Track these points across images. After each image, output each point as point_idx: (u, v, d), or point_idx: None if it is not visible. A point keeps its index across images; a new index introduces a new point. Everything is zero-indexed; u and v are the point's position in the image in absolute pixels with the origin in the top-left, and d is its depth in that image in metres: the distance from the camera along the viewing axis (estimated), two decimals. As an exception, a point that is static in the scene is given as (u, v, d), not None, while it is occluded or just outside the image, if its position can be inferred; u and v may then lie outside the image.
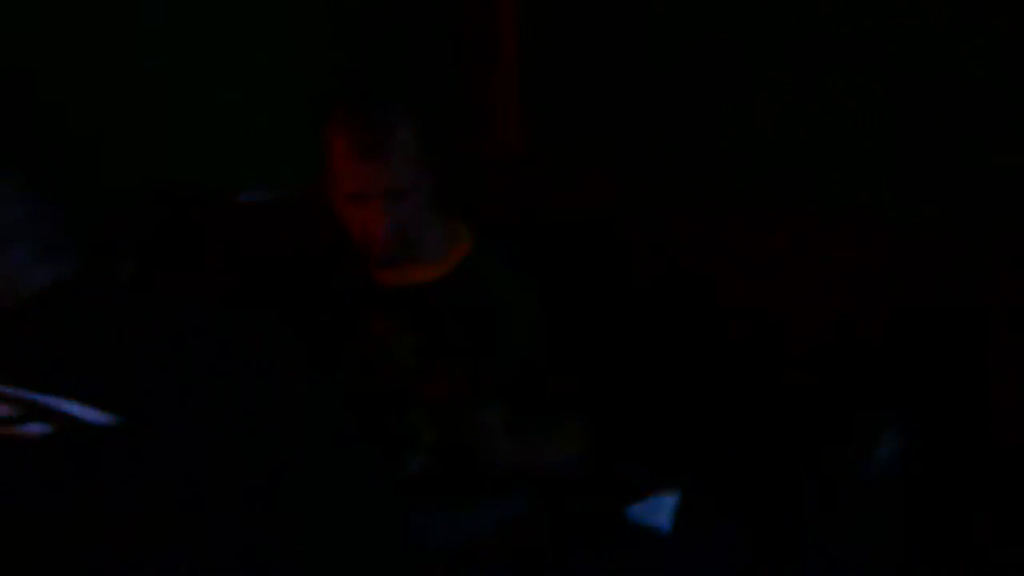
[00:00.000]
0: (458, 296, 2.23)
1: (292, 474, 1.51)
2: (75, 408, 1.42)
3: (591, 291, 2.57)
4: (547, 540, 2.11)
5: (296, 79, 2.88)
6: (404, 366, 2.23)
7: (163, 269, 2.59)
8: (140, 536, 1.43)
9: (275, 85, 2.87)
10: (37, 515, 1.42)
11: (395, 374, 2.23)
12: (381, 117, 2.15)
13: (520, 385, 2.19)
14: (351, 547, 1.54)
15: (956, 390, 2.12)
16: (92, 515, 1.42)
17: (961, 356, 2.12)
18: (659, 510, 2.14)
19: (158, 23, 2.73)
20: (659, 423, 2.34)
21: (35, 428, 1.42)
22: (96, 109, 2.65)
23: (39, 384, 1.43)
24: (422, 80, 2.98)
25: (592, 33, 2.82)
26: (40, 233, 1.53)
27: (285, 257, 2.42)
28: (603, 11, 2.79)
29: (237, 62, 2.82)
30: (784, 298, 2.38)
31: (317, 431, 1.56)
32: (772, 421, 2.25)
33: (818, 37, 2.40)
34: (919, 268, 2.18)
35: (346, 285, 2.30)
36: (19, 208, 1.52)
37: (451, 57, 3.01)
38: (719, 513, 2.18)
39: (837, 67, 2.37)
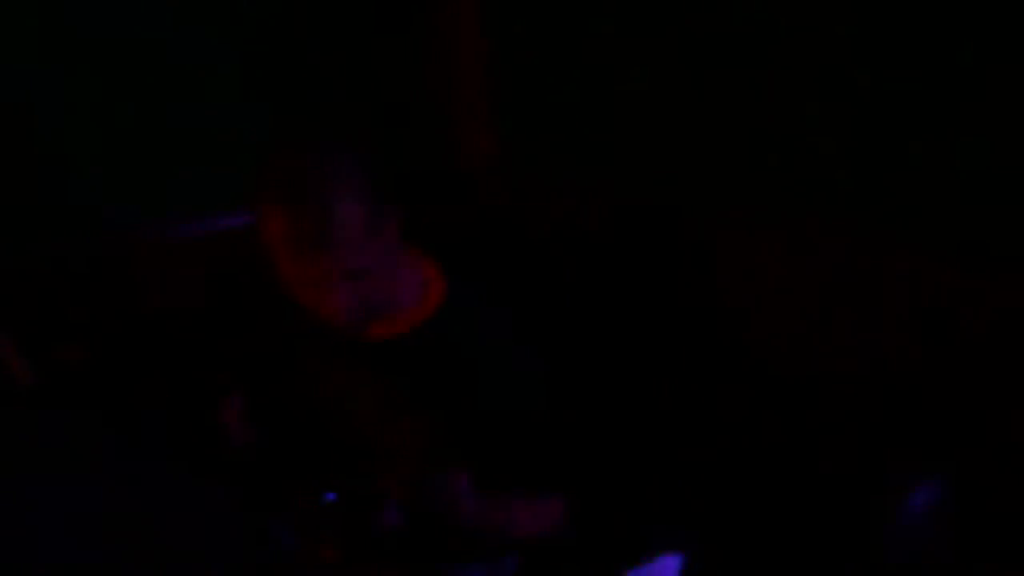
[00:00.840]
0: (426, 349, 1.94)
1: None
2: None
3: (576, 322, 2.31)
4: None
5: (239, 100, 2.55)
6: (365, 420, 1.95)
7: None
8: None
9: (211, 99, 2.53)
10: None
11: (355, 428, 1.96)
12: (316, 193, 1.77)
13: (492, 445, 1.90)
14: None
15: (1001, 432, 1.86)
16: None
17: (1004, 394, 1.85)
18: (661, 573, 1.89)
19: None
20: (660, 473, 2.06)
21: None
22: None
23: None
24: (379, 95, 2.69)
25: (562, 39, 2.54)
26: None
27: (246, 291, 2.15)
28: (571, 15, 2.51)
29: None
30: (792, 317, 2.11)
31: None
32: (791, 471, 1.98)
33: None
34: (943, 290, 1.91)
35: (307, 330, 2.00)
36: None
37: (413, 67, 2.72)
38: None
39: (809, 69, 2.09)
